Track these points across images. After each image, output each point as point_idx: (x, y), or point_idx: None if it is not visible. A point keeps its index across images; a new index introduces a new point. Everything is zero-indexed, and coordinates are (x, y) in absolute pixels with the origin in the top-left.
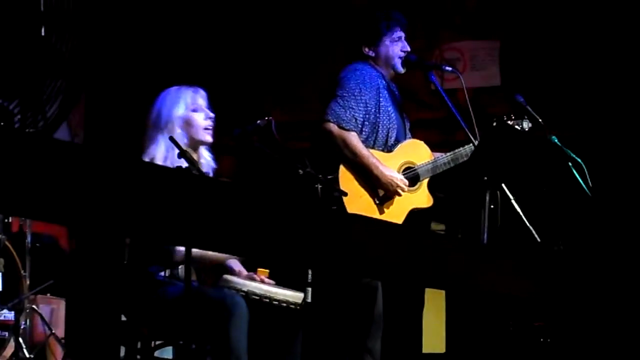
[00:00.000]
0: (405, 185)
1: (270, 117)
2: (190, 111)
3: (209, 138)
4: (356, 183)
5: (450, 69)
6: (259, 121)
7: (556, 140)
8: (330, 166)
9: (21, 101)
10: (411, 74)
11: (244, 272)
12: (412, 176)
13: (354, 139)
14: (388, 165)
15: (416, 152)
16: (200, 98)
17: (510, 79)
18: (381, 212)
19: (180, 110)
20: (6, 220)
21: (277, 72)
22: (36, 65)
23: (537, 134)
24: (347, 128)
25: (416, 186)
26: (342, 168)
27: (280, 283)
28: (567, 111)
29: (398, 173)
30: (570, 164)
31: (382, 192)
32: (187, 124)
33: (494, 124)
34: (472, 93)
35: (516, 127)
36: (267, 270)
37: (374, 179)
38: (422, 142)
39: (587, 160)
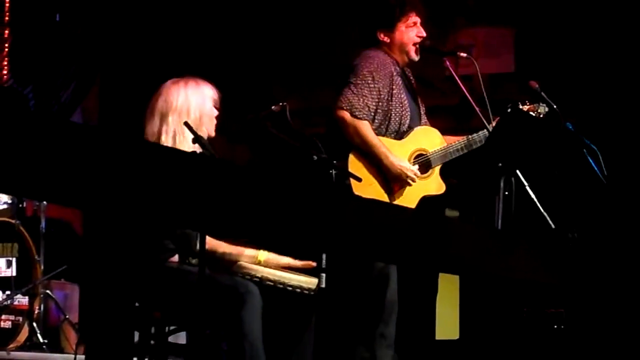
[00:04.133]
0: (416, 175)
1: (285, 103)
2: (212, 107)
3: (213, 133)
4: (366, 171)
5: (464, 55)
6: (273, 107)
7: (571, 127)
8: (341, 152)
9: (35, 86)
10: (425, 61)
11: None
12: (424, 163)
13: (366, 128)
14: (399, 153)
15: (428, 138)
16: (216, 94)
17: (524, 65)
18: (392, 199)
19: (208, 104)
20: (20, 205)
21: (289, 58)
22: (50, 51)
23: (552, 120)
24: (359, 117)
25: (428, 173)
26: (351, 156)
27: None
28: (582, 97)
29: (408, 162)
30: (585, 150)
31: (393, 181)
32: (209, 117)
33: (509, 110)
34: (486, 79)
35: (531, 113)
36: None
37: (385, 169)
38: (434, 129)
39: (602, 147)
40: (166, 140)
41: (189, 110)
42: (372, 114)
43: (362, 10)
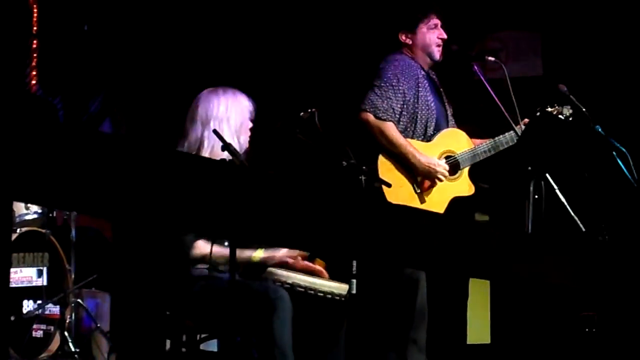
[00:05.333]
0: (446, 170)
1: (314, 109)
2: (248, 118)
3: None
4: (396, 172)
5: (492, 59)
6: (301, 114)
7: (600, 130)
8: (369, 156)
9: (64, 96)
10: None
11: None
12: (453, 164)
13: (391, 129)
14: (427, 154)
15: (455, 140)
16: (252, 106)
17: (552, 68)
18: (422, 201)
19: (246, 115)
20: (50, 215)
21: (318, 64)
22: (79, 61)
23: (581, 123)
24: (383, 118)
25: (457, 174)
26: (381, 158)
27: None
28: (611, 99)
29: (437, 159)
30: (614, 153)
31: (422, 180)
32: (246, 128)
33: (538, 113)
34: (514, 83)
35: (559, 116)
36: (324, 263)
37: (412, 168)
38: (461, 131)
39: (632, 149)
40: (207, 147)
41: (230, 118)
42: (397, 115)
43: (384, 13)
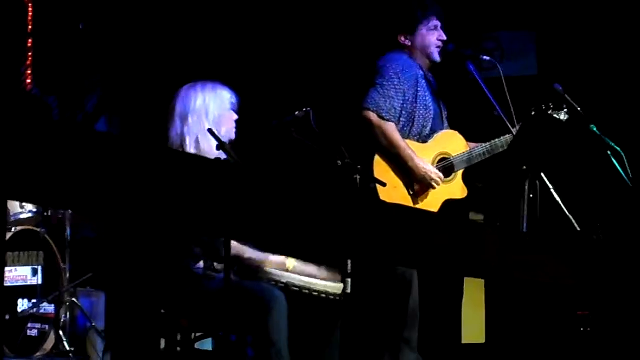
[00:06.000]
0: (440, 179)
1: (309, 109)
2: (230, 109)
3: (233, 136)
4: (391, 173)
5: (487, 58)
6: (297, 113)
7: (595, 129)
8: (365, 154)
9: (60, 95)
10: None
11: None
12: (447, 167)
13: (392, 130)
14: (423, 156)
15: (451, 142)
16: (234, 98)
17: (547, 68)
18: (415, 202)
19: (226, 106)
20: (45, 214)
21: (314, 63)
22: (74, 60)
23: (576, 122)
24: (386, 118)
25: (451, 177)
26: (377, 158)
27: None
28: (606, 99)
29: (433, 166)
30: (609, 152)
31: (417, 184)
32: (227, 120)
33: (533, 113)
34: (509, 82)
35: (555, 116)
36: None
37: (409, 171)
38: (457, 133)
39: (628, 149)
40: (190, 143)
41: (208, 111)
42: (398, 115)
43: (384, 14)
